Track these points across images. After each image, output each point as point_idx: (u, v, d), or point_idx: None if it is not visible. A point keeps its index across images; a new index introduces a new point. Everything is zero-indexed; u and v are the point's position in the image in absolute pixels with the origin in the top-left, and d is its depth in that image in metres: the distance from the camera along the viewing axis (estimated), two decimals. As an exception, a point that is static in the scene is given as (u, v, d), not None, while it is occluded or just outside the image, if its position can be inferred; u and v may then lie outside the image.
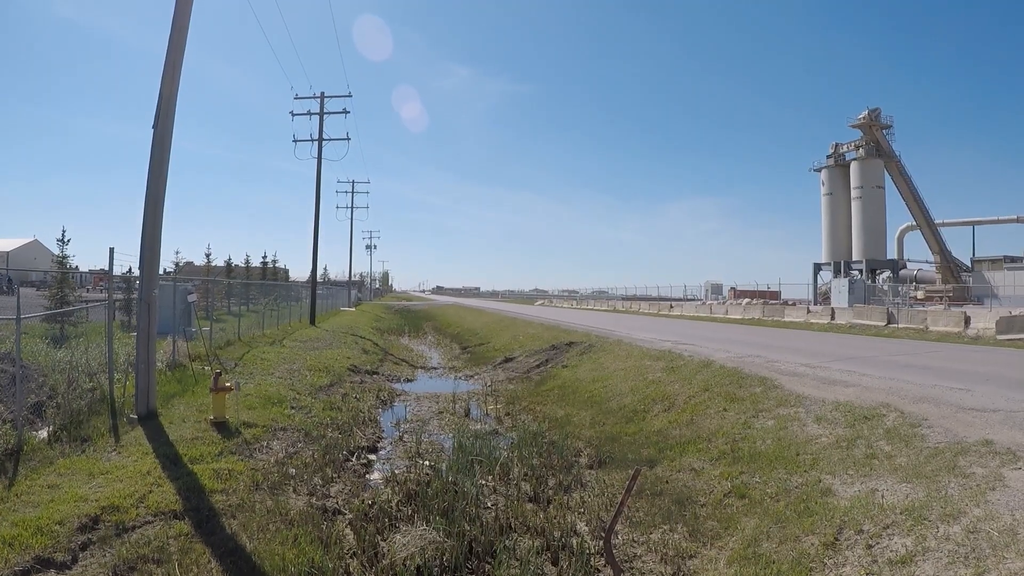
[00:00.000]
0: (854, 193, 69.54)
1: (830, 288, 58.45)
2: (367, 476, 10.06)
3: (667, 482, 9.06)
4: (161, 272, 12.67)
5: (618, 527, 7.78)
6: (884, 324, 28.55)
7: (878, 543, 5.88)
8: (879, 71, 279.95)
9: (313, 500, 8.18)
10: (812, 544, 6.25)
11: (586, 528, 7.91)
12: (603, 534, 6.62)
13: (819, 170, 75.17)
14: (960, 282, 61.05)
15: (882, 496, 6.72)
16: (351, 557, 6.86)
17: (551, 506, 8.63)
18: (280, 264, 68.34)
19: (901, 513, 6.21)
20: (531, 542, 7.40)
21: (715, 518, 7.70)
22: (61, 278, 23.33)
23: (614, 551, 6.86)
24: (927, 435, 8.18)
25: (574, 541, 7.41)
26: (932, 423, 8.64)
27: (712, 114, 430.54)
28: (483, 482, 9.51)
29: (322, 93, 34.83)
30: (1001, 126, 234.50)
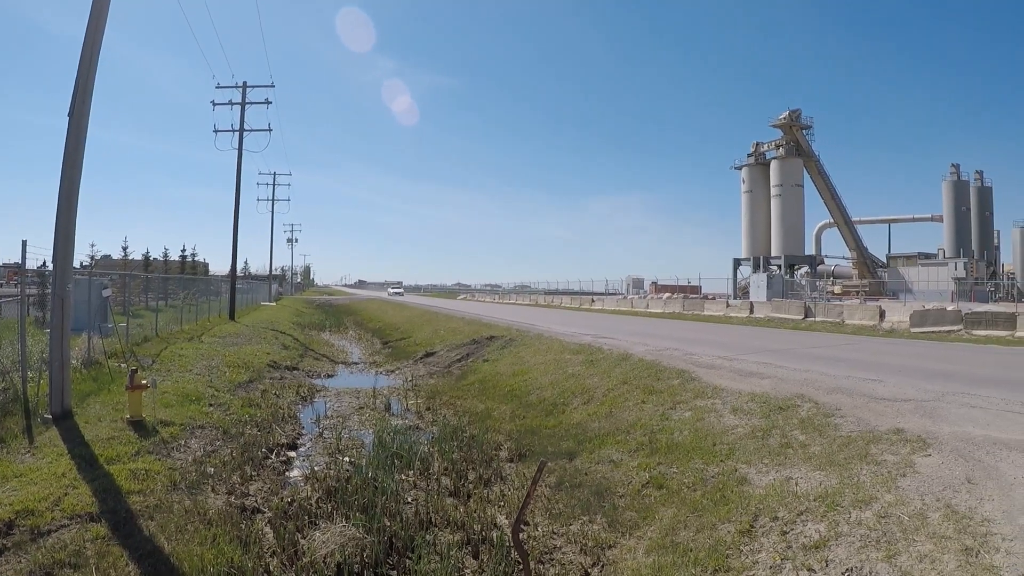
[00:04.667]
0: (774, 191, 71.22)
1: (749, 283, 60.17)
2: (287, 473, 9.99)
3: (586, 474, 9.23)
4: (76, 266, 12.30)
5: (539, 519, 7.97)
6: (802, 318, 29.38)
7: (792, 529, 6.08)
8: (801, 71, 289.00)
9: (232, 499, 8.10)
10: (728, 532, 6.42)
11: (506, 521, 8.01)
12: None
13: (740, 168, 76.66)
14: (876, 278, 62.92)
15: (796, 484, 6.97)
16: (271, 556, 6.85)
17: (471, 500, 8.74)
18: (200, 258, 66.83)
19: (815, 500, 6.46)
20: (451, 536, 7.50)
21: (634, 508, 7.84)
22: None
23: (529, 542, 7.05)
24: (840, 424, 8.49)
25: (494, 534, 7.52)
26: (845, 413, 8.98)
27: (637, 111, 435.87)
28: (403, 477, 9.55)
29: (244, 83, 34.35)
30: (918, 126, 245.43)
